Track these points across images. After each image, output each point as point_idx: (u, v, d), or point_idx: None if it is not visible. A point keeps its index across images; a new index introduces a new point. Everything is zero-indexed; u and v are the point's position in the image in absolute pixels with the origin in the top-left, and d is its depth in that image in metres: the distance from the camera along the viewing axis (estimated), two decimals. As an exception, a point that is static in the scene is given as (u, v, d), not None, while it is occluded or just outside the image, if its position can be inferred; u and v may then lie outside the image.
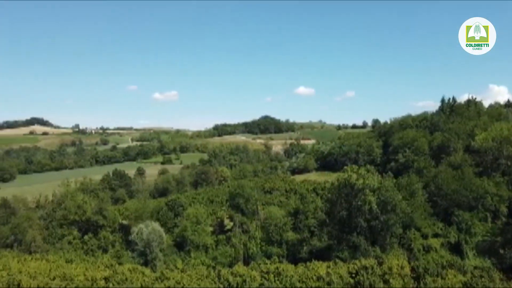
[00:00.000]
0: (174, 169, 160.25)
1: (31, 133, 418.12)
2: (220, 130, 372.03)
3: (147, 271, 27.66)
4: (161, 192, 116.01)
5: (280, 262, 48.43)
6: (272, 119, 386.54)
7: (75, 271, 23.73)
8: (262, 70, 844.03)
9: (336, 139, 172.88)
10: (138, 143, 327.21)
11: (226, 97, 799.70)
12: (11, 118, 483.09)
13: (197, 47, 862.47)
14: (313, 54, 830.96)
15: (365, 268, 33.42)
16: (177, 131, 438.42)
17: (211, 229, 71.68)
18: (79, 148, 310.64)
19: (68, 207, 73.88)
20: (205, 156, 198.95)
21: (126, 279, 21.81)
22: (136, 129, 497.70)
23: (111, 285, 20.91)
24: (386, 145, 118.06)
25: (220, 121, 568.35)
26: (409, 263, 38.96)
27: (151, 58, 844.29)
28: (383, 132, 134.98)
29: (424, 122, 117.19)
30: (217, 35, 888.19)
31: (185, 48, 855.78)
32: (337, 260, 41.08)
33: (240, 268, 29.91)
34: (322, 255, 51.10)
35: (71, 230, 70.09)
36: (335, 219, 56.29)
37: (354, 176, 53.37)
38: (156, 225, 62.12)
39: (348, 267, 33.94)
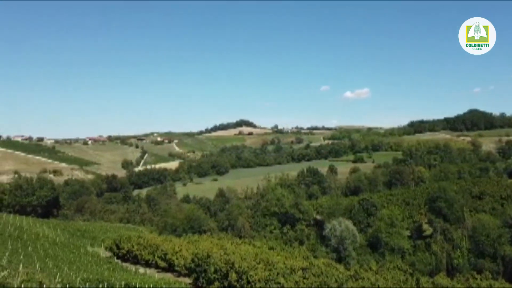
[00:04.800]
0: (365, 167, 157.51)
1: (240, 133, 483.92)
2: (417, 126, 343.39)
3: (341, 267, 27.79)
4: (352, 190, 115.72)
5: (494, 279, 41.15)
6: (482, 112, 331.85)
7: (276, 258, 25.84)
8: (468, 57, 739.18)
9: None
10: (330, 141, 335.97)
11: (423, 91, 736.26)
12: (224, 121, 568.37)
13: (389, 42, 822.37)
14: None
15: None
16: (369, 129, 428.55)
17: (407, 233, 67.63)
18: (277, 147, 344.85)
19: (269, 199, 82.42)
20: (399, 155, 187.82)
21: (322, 272, 22.42)
22: (327, 128, 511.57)
23: (307, 275, 21.87)
24: None
25: (416, 117, 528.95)
26: None
27: (343, 57, 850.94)
28: None
29: None
30: (410, 28, 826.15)
31: (375, 44, 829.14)
32: None
33: (443, 279, 26.68)
34: (556, 279, 41.06)
35: (272, 220, 77.67)
36: None
37: None
38: (349, 223, 62.43)
39: None
